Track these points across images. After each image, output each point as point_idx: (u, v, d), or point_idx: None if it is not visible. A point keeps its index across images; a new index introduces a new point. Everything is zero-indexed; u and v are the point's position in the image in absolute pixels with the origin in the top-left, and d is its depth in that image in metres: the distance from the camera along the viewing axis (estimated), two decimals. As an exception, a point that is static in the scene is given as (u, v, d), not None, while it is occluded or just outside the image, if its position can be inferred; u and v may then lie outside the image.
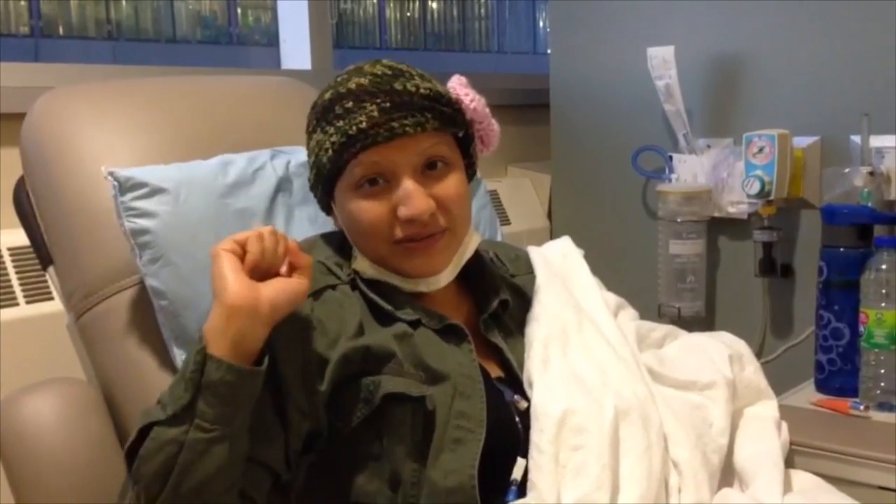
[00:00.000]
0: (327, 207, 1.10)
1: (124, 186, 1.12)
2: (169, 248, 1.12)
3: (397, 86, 1.01)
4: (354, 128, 0.99)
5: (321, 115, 1.03)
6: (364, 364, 0.98)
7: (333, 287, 1.03)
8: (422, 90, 1.01)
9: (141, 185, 1.13)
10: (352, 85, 1.02)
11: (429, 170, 1.02)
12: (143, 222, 1.12)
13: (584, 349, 1.08)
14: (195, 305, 1.11)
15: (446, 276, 1.06)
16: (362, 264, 1.06)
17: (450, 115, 1.03)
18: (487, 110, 1.09)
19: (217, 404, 0.87)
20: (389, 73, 1.02)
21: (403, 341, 1.00)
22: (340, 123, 1.00)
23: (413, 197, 0.99)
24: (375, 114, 0.98)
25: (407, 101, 1.00)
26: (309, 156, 1.07)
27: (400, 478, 0.96)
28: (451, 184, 1.03)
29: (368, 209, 1.01)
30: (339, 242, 1.10)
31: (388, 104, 0.99)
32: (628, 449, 0.98)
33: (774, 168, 1.68)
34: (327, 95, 1.04)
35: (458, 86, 1.07)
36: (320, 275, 1.03)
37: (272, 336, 0.94)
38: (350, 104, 1.00)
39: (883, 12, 1.65)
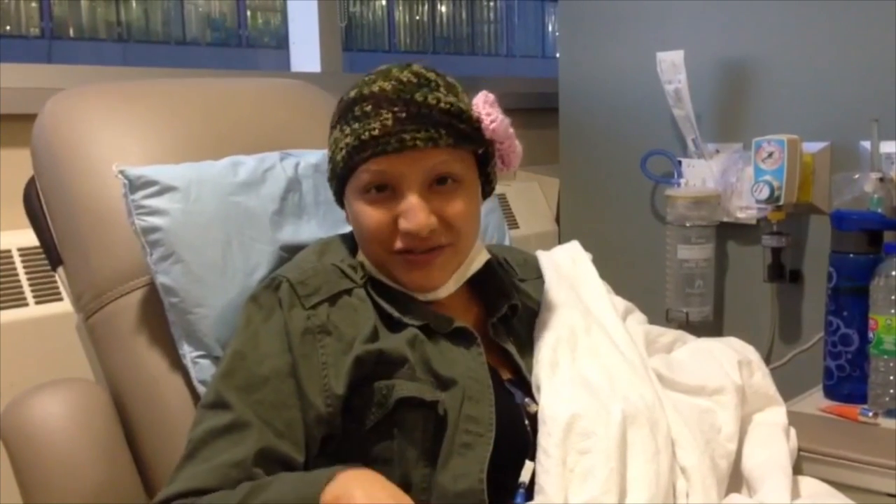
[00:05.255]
0: (341, 202, 1.10)
1: (134, 185, 1.12)
2: (179, 245, 1.12)
3: (418, 96, 1.00)
4: (367, 133, 0.99)
5: (343, 113, 1.04)
6: (377, 367, 0.99)
7: (349, 292, 1.03)
8: (442, 104, 1.00)
9: (151, 182, 1.13)
10: (375, 88, 1.01)
11: (438, 184, 1.01)
12: (153, 220, 1.12)
13: (593, 353, 1.08)
14: (206, 302, 1.12)
15: (445, 289, 1.06)
16: (367, 261, 1.07)
17: (467, 133, 1.02)
18: (511, 130, 1.06)
19: None
20: (415, 80, 1.01)
21: (415, 347, 1.01)
22: (356, 126, 1.00)
23: (414, 212, 0.99)
24: (389, 123, 0.98)
25: (424, 114, 0.99)
26: (329, 149, 1.07)
27: (410, 482, 0.96)
28: (459, 202, 1.02)
29: (371, 215, 1.01)
30: (352, 244, 1.10)
31: (403, 114, 0.98)
32: (636, 453, 0.98)
33: (784, 173, 1.68)
34: (352, 94, 1.04)
35: (481, 103, 1.04)
36: (336, 278, 1.04)
37: (293, 347, 0.97)
38: (368, 108, 1.00)
39: (892, 18, 1.64)
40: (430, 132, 0.99)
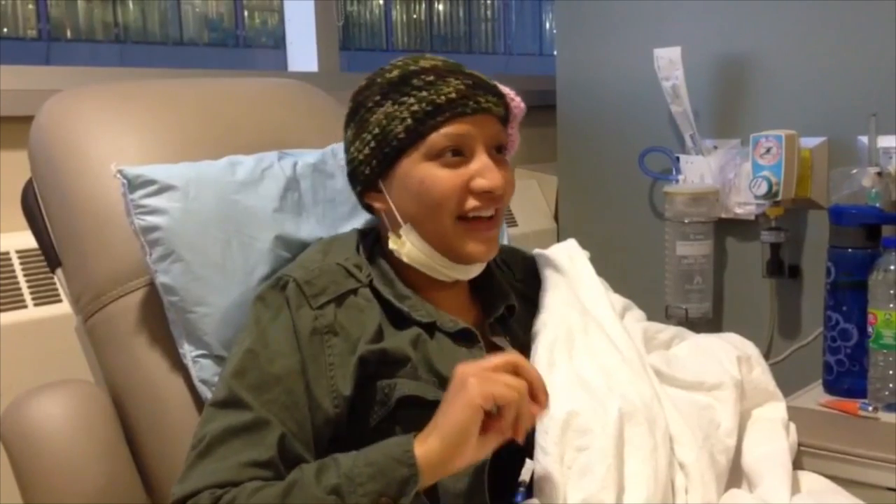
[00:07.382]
0: (371, 186, 1.07)
1: (133, 184, 1.12)
2: (179, 244, 1.12)
3: (468, 71, 1.06)
4: (443, 97, 1.01)
5: (392, 89, 1.03)
6: (380, 367, 0.99)
7: (355, 292, 1.03)
8: (490, 81, 1.06)
9: (150, 182, 1.13)
10: (425, 64, 1.05)
11: (496, 153, 1.05)
12: (152, 219, 1.12)
13: (590, 352, 1.08)
14: (206, 301, 1.12)
15: (479, 266, 1.08)
16: (406, 245, 1.04)
17: (507, 109, 1.08)
18: None
19: None
20: (452, 62, 1.07)
21: (418, 347, 1.01)
22: (423, 94, 1.02)
23: (492, 170, 1.02)
24: (462, 87, 1.02)
25: (484, 84, 1.04)
26: (367, 130, 1.04)
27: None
28: (510, 172, 1.06)
29: (445, 178, 1.02)
30: (354, 243, 1.10)
31: (470, 82, 1.03)
32: (634, 450, 0.98)
33: (782, 169, 1.68)
34: (395, 73, 1.05)
35: (504, 88, 1.10)
36: (342, 278, 1.04)
37: (301, 347, 0.97)
38: (431, 78, 1.03)
39: (890, 13, 1.64)
40: (495, 100, 1.04)
